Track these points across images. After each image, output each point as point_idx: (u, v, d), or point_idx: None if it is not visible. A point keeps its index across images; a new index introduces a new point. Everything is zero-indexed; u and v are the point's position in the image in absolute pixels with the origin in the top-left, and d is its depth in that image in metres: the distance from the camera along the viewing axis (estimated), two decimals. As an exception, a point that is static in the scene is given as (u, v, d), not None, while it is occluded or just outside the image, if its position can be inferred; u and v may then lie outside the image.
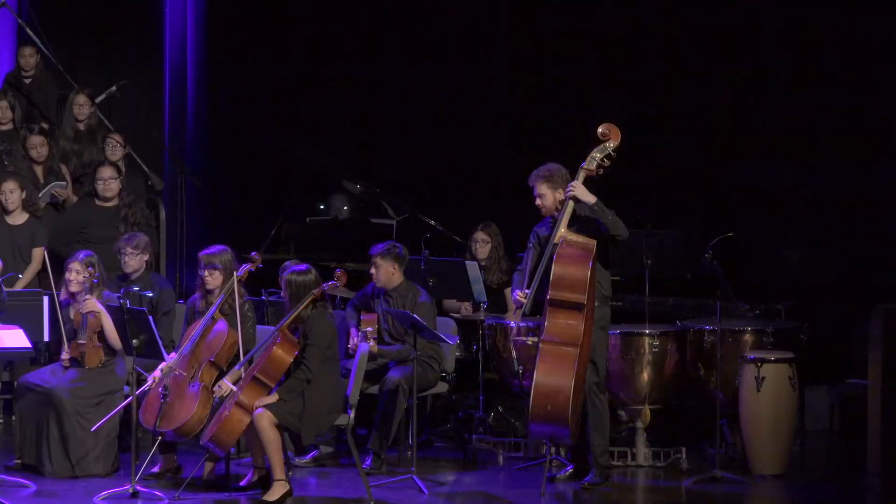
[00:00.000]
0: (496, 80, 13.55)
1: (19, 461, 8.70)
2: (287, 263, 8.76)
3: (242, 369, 8.26)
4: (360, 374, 8.24)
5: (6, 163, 10.76)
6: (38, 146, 10.51)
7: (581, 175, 8.37)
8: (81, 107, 11.03)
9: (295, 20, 13.87)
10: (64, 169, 10.74)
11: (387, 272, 9.11)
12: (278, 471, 8.01)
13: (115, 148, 10.78)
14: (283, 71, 13.99)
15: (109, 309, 8.49)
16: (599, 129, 8.43)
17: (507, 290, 10.09)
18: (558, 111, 12.78)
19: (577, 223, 8.34)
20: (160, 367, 8.31)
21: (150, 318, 8.26)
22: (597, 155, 8.39)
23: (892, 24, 11.85)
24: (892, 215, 11.80)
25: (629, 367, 9.15)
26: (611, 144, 8.41)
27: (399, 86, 13.66)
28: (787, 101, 12.62)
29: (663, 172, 12.49)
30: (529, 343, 8.99)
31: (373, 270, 9.16)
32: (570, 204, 8.34)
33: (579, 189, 8.30)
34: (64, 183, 10.61)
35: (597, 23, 13.09)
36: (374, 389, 9.03)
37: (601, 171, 8.41)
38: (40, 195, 10.35)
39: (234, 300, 8.41)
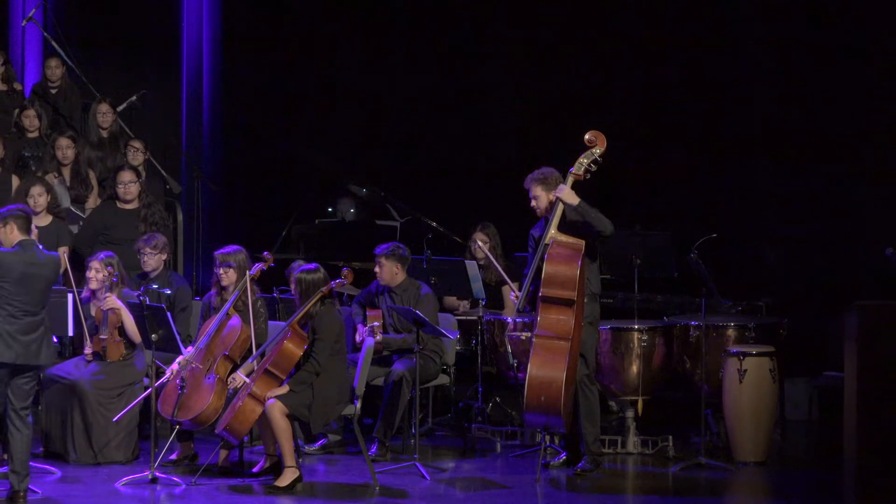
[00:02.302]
0: (497, 86, 13.47)
1: (45, 449, 8.71)
2: (297, 263, 8.76)
3: (255, 362, 8.27)
4: (366, 366, 8.25)
5: (34, 168, 10.77)
6: (64, 147, 10.49)
7: (569, 179, 8.37)
8: (105, 115, 11.02)
9: (305, 32, 13.78)
10: (91, 174, 10.74)
11: (390, 271, 9.11)
12: (289, 458, 8.01)
13: (135, 154, 10.78)
14: (294, 80, 13.90)
15: (129, 305, 8.49)
16: (586, 136, 8.43)
17: (505, 288, 10.08)
18: (556, 118, 12.71)
19: (567, 224, 8.34)
20: (177, 360, 8.31)
21: (168, 314, 8.27)
22: (584, 160, 8.40)
23: (869, 37, 11.74)
24: (866, 218, 11.67)
25: (619, 360, 9.13)
26: (597, 150, 8.41)
27: (404, 93, 13.58)
28: (770, 110, 12.49)
29: (653, 177, 12.42)
30: (524, 338, 8.99)
31: (377, 269, 9.16)
32: (560, 206, 8.35)
33: (565, 192, 8.30)
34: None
35: (593, 33, 13.01)
36: (380, 381, 9.02)
37: (588, 175, 8.41)
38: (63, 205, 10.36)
39: (247, 297, 8.41)
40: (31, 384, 7.50)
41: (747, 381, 8.79)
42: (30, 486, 7.59)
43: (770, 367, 8.85)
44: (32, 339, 7.41)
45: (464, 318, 9.89)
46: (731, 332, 9.22)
